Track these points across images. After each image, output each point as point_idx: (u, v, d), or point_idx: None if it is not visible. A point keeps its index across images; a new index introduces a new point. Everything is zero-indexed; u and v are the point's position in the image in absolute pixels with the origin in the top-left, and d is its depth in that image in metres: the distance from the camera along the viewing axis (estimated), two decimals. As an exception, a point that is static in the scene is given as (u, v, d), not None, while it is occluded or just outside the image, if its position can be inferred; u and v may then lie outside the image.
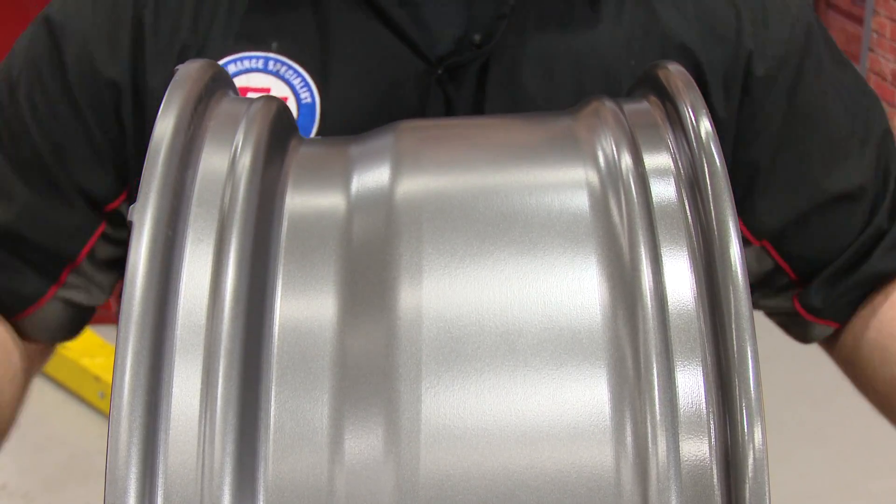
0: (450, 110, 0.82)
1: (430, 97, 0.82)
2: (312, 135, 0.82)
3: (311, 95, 0.83)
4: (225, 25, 0.82)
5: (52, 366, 2.89)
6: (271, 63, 0.83)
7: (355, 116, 0.82)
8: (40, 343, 0.87)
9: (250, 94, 0.82)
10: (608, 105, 0.62)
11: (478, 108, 0.83)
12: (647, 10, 0.84)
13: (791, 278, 0.87)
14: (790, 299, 0.88)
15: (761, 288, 0.89)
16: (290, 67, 0.83)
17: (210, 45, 0.82)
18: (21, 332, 0.84)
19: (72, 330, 0.87)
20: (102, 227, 0.83)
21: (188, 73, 0.57)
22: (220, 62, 0.82)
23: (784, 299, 0.88)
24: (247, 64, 0.83)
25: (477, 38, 0.81)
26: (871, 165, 0.85)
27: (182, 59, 0.76)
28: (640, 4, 0.84)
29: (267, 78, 0.83)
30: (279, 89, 0.83)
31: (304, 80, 0.83)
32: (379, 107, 0.82)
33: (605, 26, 0.83)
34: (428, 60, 0.81)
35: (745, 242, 0.85)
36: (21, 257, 0.82)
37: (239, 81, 0.82)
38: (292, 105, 0.82)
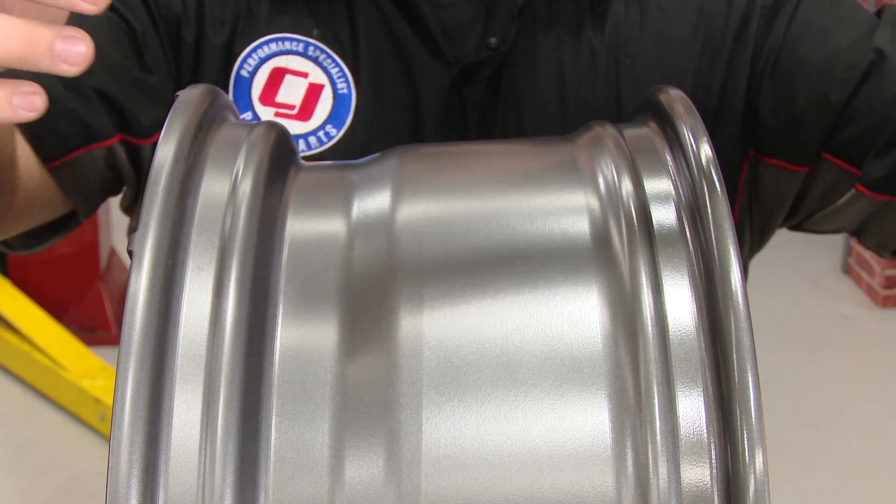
0: (464, 112, 0.84)
1: (446, 99, 0.83)
2: (346, 126, 0.84)
3: (348, 86, 0.84)
4: (273, 3, 0.84)
5: (51, 387, 2.88)
6: (311, 49, 0.84)
7: (385, 114, 0.84)
8: (65, 204, 0.85)
9: (288, 77, 0.84)
10: (609, 130, 0.62)
11: (490, 110, 0.84)
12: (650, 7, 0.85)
13: (852, 172, 0.83)
14: (854, 189, 0.83)
15: (826, 207, 0.86)
16: (328, 56, 0.84)
17: (258, 19, 0.84)
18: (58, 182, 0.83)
19: (92, 200, 0.85)
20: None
21: (188, 100, 0.57)
22: (263, 39, 0.84)
23: (850, 204, 0.84)
24: (287, 45, 0.84)
25: (493, 41, 0.83)
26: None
27: (234, 27, 0.81)
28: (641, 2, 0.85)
29: (305, 63, 0.84)
30: (316, 75, 0.84)
31: (341, 70, 0.84)
32: (402, 107, 0.84)
33: (612, 27, 0.85)
34: (446, 62, 0.83)
35: (798, 164, 0.84)
36: (103, 101, 0.82)
37: (278, 61, 0.84)
38: (328, 94, 0.84)
